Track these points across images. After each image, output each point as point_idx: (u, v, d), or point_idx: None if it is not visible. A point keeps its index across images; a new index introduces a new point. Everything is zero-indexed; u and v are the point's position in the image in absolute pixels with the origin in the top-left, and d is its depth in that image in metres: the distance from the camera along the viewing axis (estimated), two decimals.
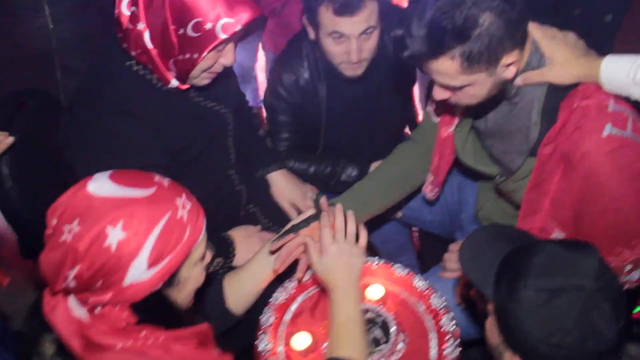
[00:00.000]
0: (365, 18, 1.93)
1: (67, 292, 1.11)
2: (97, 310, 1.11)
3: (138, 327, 1.13)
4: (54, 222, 1.10)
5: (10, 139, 1.77)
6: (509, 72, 1.44)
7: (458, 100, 1.52)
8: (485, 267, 1.28)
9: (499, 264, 1.26)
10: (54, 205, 1.12)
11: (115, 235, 1.07)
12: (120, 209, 1.08)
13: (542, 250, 1.18)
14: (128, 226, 1.08)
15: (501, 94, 1.53)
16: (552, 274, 1.14)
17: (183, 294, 1.24)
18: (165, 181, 1.19)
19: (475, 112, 1.67)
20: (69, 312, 1.11)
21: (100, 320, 1.11)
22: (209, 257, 1.30)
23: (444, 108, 1.78)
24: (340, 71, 2.10)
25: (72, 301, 1.12)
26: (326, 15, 1.95)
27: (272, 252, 1.66)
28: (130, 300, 1.12)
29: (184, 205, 1.16)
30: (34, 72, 2.23)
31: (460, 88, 1.45)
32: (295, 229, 1.66)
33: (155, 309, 1.15)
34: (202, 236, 1.21)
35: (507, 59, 1.40)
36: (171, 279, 1.17)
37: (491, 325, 1.28)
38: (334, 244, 1.52)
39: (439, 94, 1.51)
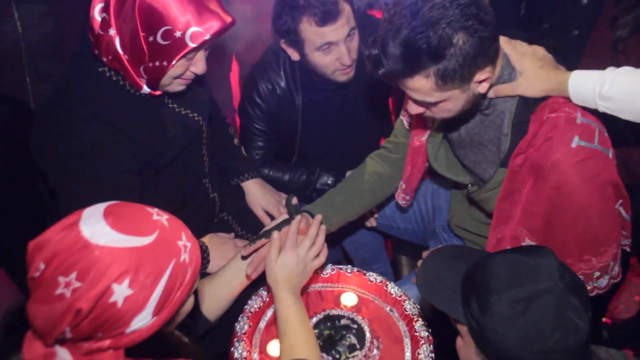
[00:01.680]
0: (346, 21, 1.97)
1: (60, 342, 1.05)
2: (86, 354, 1.05)
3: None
4: (41, 265, 1.01)
5: None
6: (482, 88, 1.47)
7: (433, 115, 1.55)
8: (448, 291, 1.30)
9: (461, 285, 1.27)
10: (39, 243, 1.03)
11: (121, 293, 1.01)
12: (125, 264, 1.02)
13: (503, 262, 1.20)
14: (134, 282, 1.02)
15: (475, 107, 1.56)
16: (520, 283, 1.16)
17: (174, 325, 1.22)
18: (164, 219, 1.13)
19: (448, 122, 1.70)
20: (50, 355, 1.04)
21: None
22: (197, 284, 1.24)
23: (417, 117, 1.81)
24: (334, 79, 2.12)
25: (57, 350, 1.05)
26: (310, 30, 1.97)
27: (245, 258, 1.67)
28: (128, 345, 1.07)
29: (185, 247, 1.12)
30: (2, 77, 2.19)
31: (435, 104, 1.48)
32: (268, 234, 1.67)
33: (149, 345, 1.11)
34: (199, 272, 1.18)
35: (480, 76, 1.43)
36: (170, 320, 1.13)
37: (465, 346, 1.29)
38: (299, 248, 1.56)
39: (414, 109, 1.54)
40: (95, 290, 0.99)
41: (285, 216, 1.74)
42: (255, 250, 1.67)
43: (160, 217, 1.12)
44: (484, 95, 1.53)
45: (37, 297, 1.02)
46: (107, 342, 1.04)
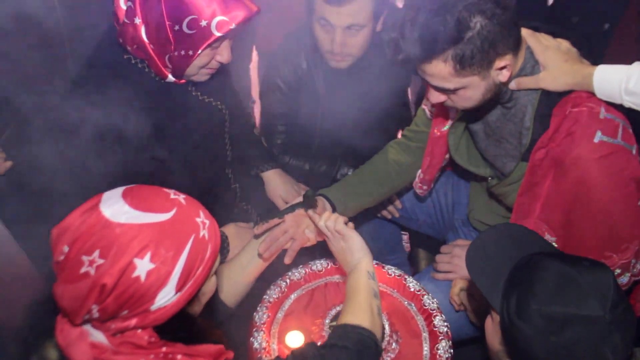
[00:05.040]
0: (352, 12, 1.95)
1: (87, 322, 1.07)
2: (118, 335, 1.08)
3: (157, 344, 1.11)
4: (64, 249, 1.04)
5: (8, 164, 1.80)
6: (502, 76, 1.47)
7: (453, 103, 1.54)
8: (493, 274, 1.27)
9: (508, 275, 1.24)
10: (61, 229, 1.06)
11: (143, 267, 1.03)
12: (146, 239, 1.04)
13: (556, 272, 1.15)
14: (156, 257, 1.04)
15: (496, 97, 1.55)
16: (565, 302, 1.11)
17: (199, 307, 1.23)
18: (181, 197, 1.15)
19: (470, 113, 1.70)
20: (87, 344, 1.07)
21: (121, 345, 1.07)
22: (217, 264, 1.26)
23: (439, 107, 1.80)
24: (327, 60, 2.11)
25: (90, 330, 1.08)
26: (317, 1, 1.97)
27: (257, 236, 1.68)
28: (155, 323, 1.09)
29: (204, 224, 1.14)
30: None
31: (454, 91, 1.47)
32: (281, 214, 1.69)
33: (176, 325, 1.13)
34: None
35: (500, 63, 1.42)
36: (194, 297, 1.15)
37: (493, 331, 1.28)
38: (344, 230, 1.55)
39: (435, 97, 1.54)
40: (118, 265, 1.01)
41: (300, 199, 1.73)
42: (268, 230, 1.68)
43: (177, 196, 1.15)
44: (505, 84, 1.52)
45: (63, 278, 1.04)
46: (133, 321, 1.07)
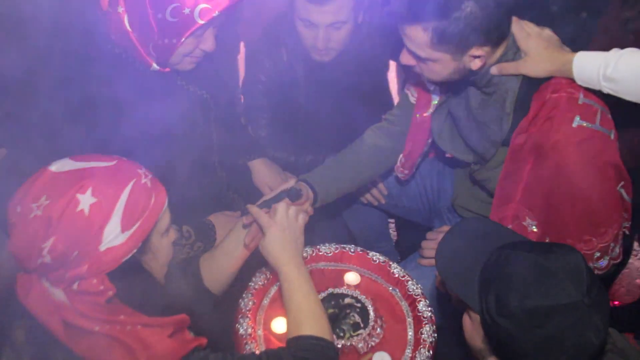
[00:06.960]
0: (334, 10, 1.96)
1: (42, 271, 1.11)
2: (75, 286, 1.12)
3: (116, 308, 1.14)
4: (17, 209, 1.11)
5: (3, 151, 1.81)
6: (474, 64, 1.50)
7: (421, 71, 1.58)
8: (465, 273, 1.26)
9: (481, 273, 1.23)
10: (14, 200, 1.13)
11: (86, 201, 1.10)
12: (87, 178, 1.13)
13: (527, 265, 1.15)
14: (97, 191, 1.12)
15: (472, 81, 1.58)
16: (544, 293, 1.12)
17: (157, 264, 1.29)
18: (124, 159, 1.24)
19: (452, 99, 1.71)
20: (45, 294, 1.11)
21: (78, 298, 1.11)
22: (172, 235, 1.33)
23: (422, 92, 1.82)
24: (310, 54, 2.13)
25: (46, 283, 1.12)
26: (299, 0, 1.98)
27: (246, 226, 1.69)
28: (107, 268, 1.13)
29: (146, 175, 1.22)
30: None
31: (424, 60, 1.51)
32: (268, 204, 1.68)
33: (131, 279, 1.18)
34: (166, 206, 1.26)
35: (475, 51, 1.46)
36: (144, 246, 1.20)
37: (473, 330, 1.27)
38: (276, 217, 1.57)
39: (405, 58, 1.58)
40: (61, 200, 1.09)
41: (285, 186, 1.72)
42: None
43: (121, 158, 1.24)
44: (476, 72, 1.55)
45: (15, 230, 1.11)
46: (85, 267, 1.10)
